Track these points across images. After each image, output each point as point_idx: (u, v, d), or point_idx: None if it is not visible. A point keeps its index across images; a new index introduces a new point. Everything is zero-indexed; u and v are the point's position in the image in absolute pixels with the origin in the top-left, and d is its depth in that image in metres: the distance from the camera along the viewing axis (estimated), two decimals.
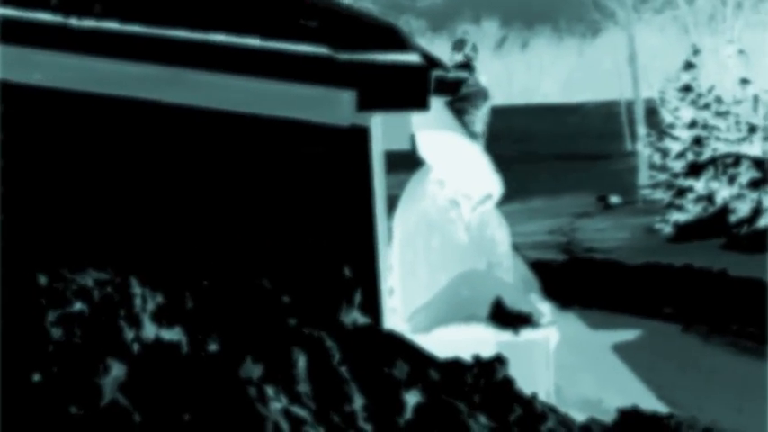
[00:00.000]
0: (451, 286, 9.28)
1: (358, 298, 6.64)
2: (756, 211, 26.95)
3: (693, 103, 31.53)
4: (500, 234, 10.02)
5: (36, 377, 5.19)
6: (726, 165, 28.61)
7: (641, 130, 43.12)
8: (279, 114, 6.96)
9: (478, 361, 6.34)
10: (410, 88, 6.81)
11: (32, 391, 5.09)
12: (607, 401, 8.90)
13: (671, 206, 30.07)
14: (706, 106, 31.32)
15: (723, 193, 28.19)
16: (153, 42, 6.81)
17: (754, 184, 27.51)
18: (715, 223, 27.71)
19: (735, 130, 30.60)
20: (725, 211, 27.75)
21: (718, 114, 31.08)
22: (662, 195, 31.95)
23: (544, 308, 9.47)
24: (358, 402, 5.62)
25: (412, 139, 8.84)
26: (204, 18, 6.82)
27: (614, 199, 42.41)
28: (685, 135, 31.50)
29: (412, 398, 5.80)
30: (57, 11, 6.77)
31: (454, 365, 6.25)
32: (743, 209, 27.26)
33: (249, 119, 6.96)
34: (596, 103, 52.93)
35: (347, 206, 6.99)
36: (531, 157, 56.52)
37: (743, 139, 30.10)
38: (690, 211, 29.21)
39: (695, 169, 29.65)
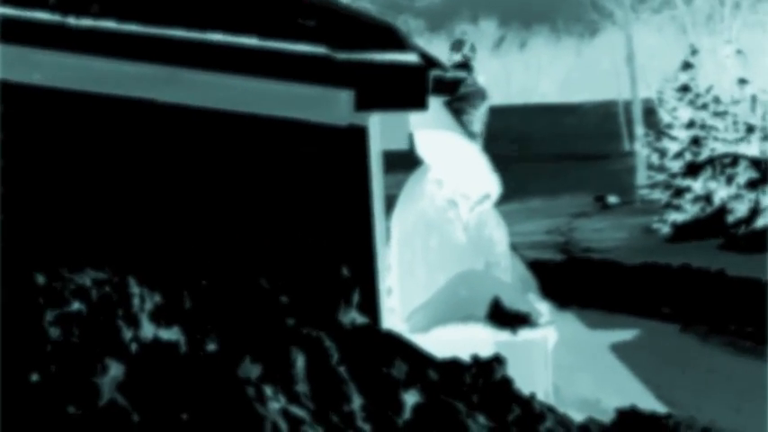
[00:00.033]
0: (450, 286, 9.28)
1: (356, 298, 6.63)
2: (754, 211, 26.98)
3: (691, 103, 31.56)
4: (498, 234, 10.01)
5: (34, 377, 5.18)
6: (724, 165, 28.63)
7: (639, 130, 43.17)
8: (277, 114, 6.95)
9: (477, 361, 6.34)
10: (408, 88, 6.80)
11: (31, 391, 5.09)
12: (605, 401, 8.90)
13: (669, 206, 30.09)
14: (704, 106, 31.34)
15: (721, 193, 28.21)
16: (150, 42, 6.80)
17: (752, 185, 27.53)
18: (713, 223, 27.73)
19: (733, 131, 30.63)
20: (723, 211, 27.77)
21: (716, 114, 31.10)
22: (660, 195, 31.98)
23: (542, 308, 9.47)
24: (356, 402, 5.62)
25: (410, 138, 8.83)
26: (202, 17, 6.82)
27: (612, 199, 42.44)
28: (683, 135, 31.53)
29: (410, 398, 5.80)
30: (54, 10, 6.76)
31: (453, 365, 6.25)
32: (741, 209, 27.28)
33: (247, 118, 6.95)
34: (594, 103, 52.99)
35: (345, 206, 6.99)
36: (529, 156, 56.55)
37: (741, 139, 30.13)
38: (688, 211, 29.23)
39: (693, 169, 29.67)
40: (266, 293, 6.30)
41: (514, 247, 11.40)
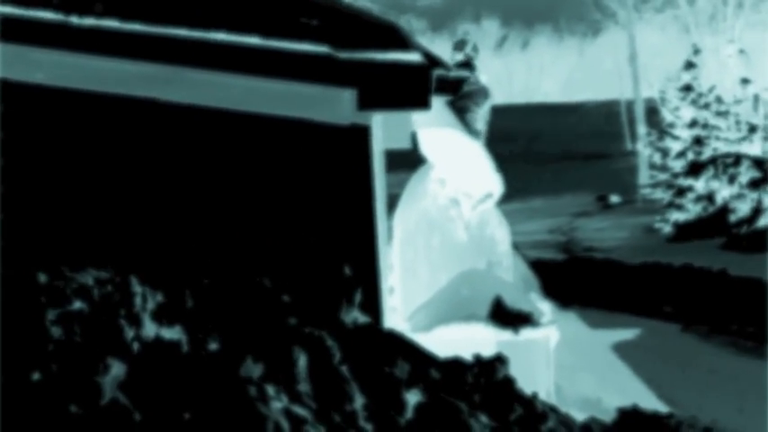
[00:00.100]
0: (452, 285, 9.28)
1: (358, 297, 6.63)
2: (756, 211, 26.96)
3: (694, 102, 31.52)
4: (500, 233, 10.01)
5: (36, 376, 5.18)
6: (726, 164, 28.62)
7: (641, 129, 43.12)
8: (279, 113, 6.95)
9: (479, 360, 6.34)
10: (411, 87, 6.80)
11: (32, 390, 5.09)
12: (607, 401, 8.89)
13: (671, 206, 30.08)
14: (706, 106, 31.31)
15: (723, 192, 28.19)
16: (153, 41, 6.80)
17: (755, 184, 27.52)
18: (715, 223, 27.72)
19: (735, 130, 30.60)
20: (725, 210, 27.76)
21: (719, 114, 31.07)
22: (662, 195, 31.94)
23: (544, 307, 9.47)
24: (359, 402, 5.62)
25: (413, 137, 8.83)
26: (205, 16, 6.82)
27: (614, 198, 42.42)
28: (685, 134, 31.50)
29: (413, 397, 5.79)
30: (57, 9, 6.76)
31: (455, 365, 6.25)
32: (743, 208, 27.26)
33: (249, 117, 6.95)
34: (597, 102, 52.92)
35: (348, 205, 6.98)
36: (531, 156, 56.52)
37: (743, 139, 30.10)
38: (690, 210, 29.21)
39: (695, 169, 29.65)
40: (268, 293, 6.30)
41: (516, 247, 11.39)
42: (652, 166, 35.06)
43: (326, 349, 5.83)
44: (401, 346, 6.26)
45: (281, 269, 6.69)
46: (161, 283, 5.96)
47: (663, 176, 32.53)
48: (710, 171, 28.91)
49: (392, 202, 9.30)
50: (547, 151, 59.44)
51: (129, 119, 6.94)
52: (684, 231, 28.85)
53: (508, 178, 10.18)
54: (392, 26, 6.86)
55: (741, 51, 33.54)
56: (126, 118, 6.94)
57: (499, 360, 6.37)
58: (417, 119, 8.32)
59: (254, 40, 6.79)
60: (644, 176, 39.79)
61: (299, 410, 5.40)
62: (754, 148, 29.63)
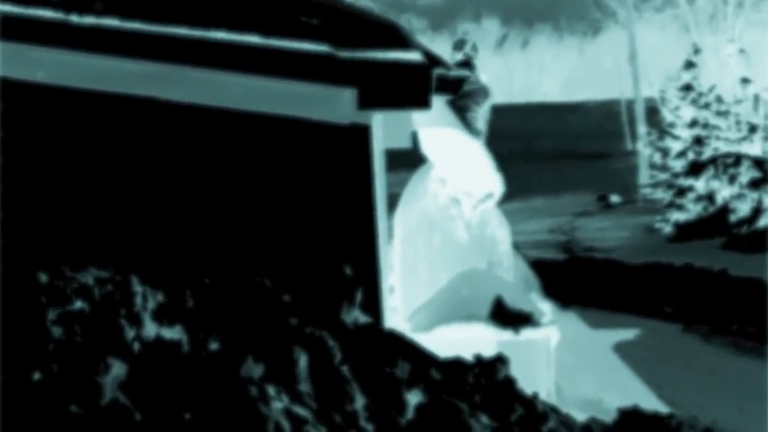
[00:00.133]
0: (452, 285, 9.27)
1: (359, 297, 6.62)
2: (757, 211, 26.95)
3: (694, 102, 31.51)
4: (501, 233, 10.00)
5: (36, 376, 5.17)
6: (726, 164, 28.61)
7: (642, 129, 43.09)
8: (279, 112, 6.94)
9: (480, 360, 6.33)
10: (411, 86, 6.79)
11: (33, 390, 5.08)
12: (607, 401, 8.89)
13: (671, 205, 30.06)
14: (706, 105, 31.30)
15: (723, 192, 28.18)
16: (153, 39, 6.79)
17: (755, 184, 27.51)
18: (715, 223, 27.71)
19: (735, 130, 30.59)
20: (725, 210, 27.75)
21: (719, 113, 31.06)
22: (662, 195, 31.92)
23: (545, 307, 9.46)
24: (359, 402, 5.61)
25: (414, 136, 8.83)
26: (205, 15, 6.81)
27: (614, 198, 42.42)
28: (686, 134, 31.48)
29: (413, 397, 5.79)
30: (57, 8, 6.75)
31: (455, 365, 6.24)
32: (743, 208, 27.26)
33: (250, 116, 6.94)
34: (597, 101, 52.91)
35: (348, 204, 6.98)
36: (532, 155, 56.52)
37: (743, 139, 30.09)
38: (690, 210, 29.20)
39: (696, 168, 29.64)
40: (269, 292, 6.29)
41: (517, 247, 11.38)
42: (652, 166, 35.04)
43: (327, 349, 5.83)
44: (402, 347, 6.25)
45: (281, 269, 6.68)
46: (162, 283, 5.95)
47: (663, 176, 32.51)
48: (711, 171, 28.90)
49: (392, 202, 9.29)
50: (547, 151, 59.46)
51: (129, 118, 6.94)
52: (685, 231, 28.84)
53: (508, 178, 10.17)
54: (392, 25, 6.85)
55: (741, 51, 33.52)
56: (126, 117, 6.93)
57: (500, 360, 6.36)
58: (418, 118, 8.32)
59: (254, 39, 6.79)
60: (644, 176, 39.78)
61: (300, 410, 5.39)
62: (754, 147, 29.62)
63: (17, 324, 5.39)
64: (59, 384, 5.14)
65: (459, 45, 10.68)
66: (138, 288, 5.81)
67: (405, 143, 8.23)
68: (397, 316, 8.93)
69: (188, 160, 6.96)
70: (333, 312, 6.42)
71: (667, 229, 29.88)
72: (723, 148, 30.21)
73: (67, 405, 5.03)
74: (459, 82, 10.27)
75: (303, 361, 5.66)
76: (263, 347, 5.65)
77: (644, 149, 39.96)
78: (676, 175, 30.84)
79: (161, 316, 5.73)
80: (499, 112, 13.96)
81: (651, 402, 9.19)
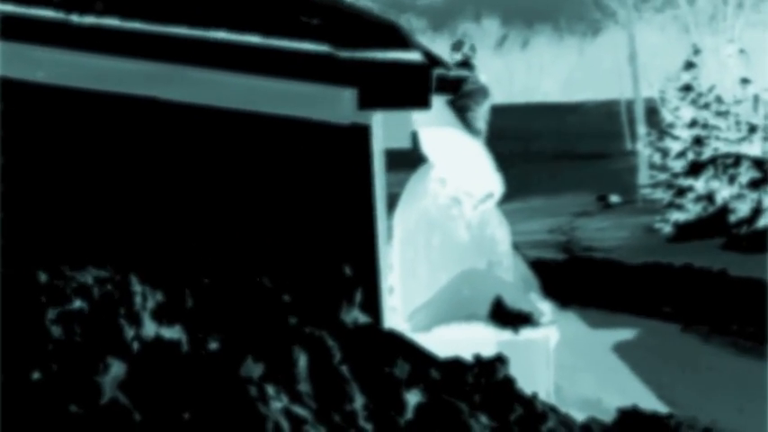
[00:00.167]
0: (452, 285, 9.27)
1: (358, 297, 6.62)
2: (756, 211, 26.96)
3: (694, 102, 31.51)
4: (500, 233, 10.00)
5: (36, 375, 5.17)
6: (726, 164, 28.61)
7: (641, 129, 43.10)
8: (279, 112, 6.94)
9: (479, 360, 6.33)
10: (412, 86, 6.79)
11: (32, 390, 5.08)
12: (607, 401, 8.90)
13: (671, 206, 30.07)
14: (706, 106, 31.30)
15: (723, 192, 28.19)
16: (153, 39, 6.79)
17: (754, 184, 27.52)
18: (715, 223, 27.72)
19: (735, 130, 30.59)
20: (725, 210, 27.75)
21: (719, 114, 31.06)
22: (662, 195, 31.93)
23: (544, 307, 9.47)
24: (359, 402, 5.61)
25: (414, 136, 8.83)
26: (205, 15, 6.81)
27: (614, 198, 42.42)
28: (685, 134, 31.48)
29: (413, 397, 5.79)
30: (58, 7, 6.75)
31: (455, 365, 6.24)
32: (743, 209, 27.26)
33: (249, 116, 6.94)
34: (596, 102, 52.93)
35: (348, 204, 6.98)
36: (532, 156, 56.51)
37: (743, 139, 30.10)
38: (690, 210, 29.21)
39: (695, 169, 29.65)
40: (268, 292, 6.29)
41: (516, 247, 11.39)
42: (652, 166, 35.05)
43: (327, 349, 5.83)
44: (401, 346, 6.25)
45: (281, 268, 6.68)
46: (161, 283, 5.95)
47: (663, 176, 32.52)
48: (710, 171, 28.91)
49: (392, 202, 9.29)
50: (546, 151, 59.44)
51: (129, 117, 6.93)
52: (684, 231, 28.85)
53: (508, 178, 10.18)
54: (392, 25, 6.85)
55: (741, 51, 33.53)
56: (126, 117, 6.93)
57: (499, 360, 6.36)
58: (418, 118, 8.32)
59: (254, 39, 6.79)
60: (644, 176, 39.78)
61: (300, 410, 5.39)
62: (753, 148, 29.63)
63: (16, 323, 5.39)
64: (59, 384, 5.14)
65: (457, 46, 10.71)
66: (137, 287, 5.81)
67: (405, 143, 8.23)
68: (396, 316, 8.94)
69: (188, 160, 6.96)
70: (332, 312, 6.42)
71: (667, 229, 29.89)
72: (723, 148, 30.22)
73: (67, 405, 5.03)
74: (459, 82, 10.28)
75: (302, 361, 5.66)
76: (263, 347, 5.65)
77: (644, 150, 39.97)
78: (676, 176, 30.85)
79: (160, 315, 5.73)
80: (499, 112, 13.96)
81: (650, 402, 9.20)
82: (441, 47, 11.59)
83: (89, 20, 6.77)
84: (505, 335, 8.76)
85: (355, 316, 6.54)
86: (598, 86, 59.71)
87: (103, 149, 6.95)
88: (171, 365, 5.39)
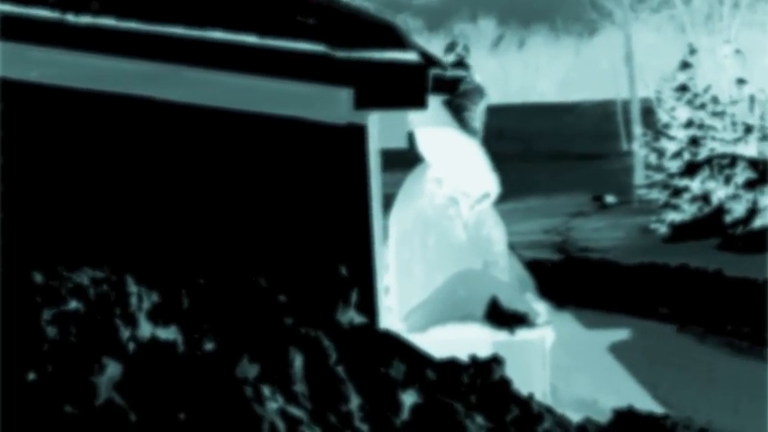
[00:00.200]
0: (448, 285, 9.26)
1: (354, 297, 6.62)
2: (752, 212, 26.98)
3: (690, 102, 31.52)
4: (496, 233, 10.00)
5: (31, 376, 5.16)
6: (722, 165, 28.63)
7: (637, 129, 43.04)
8: (276, 112, 6.93)
9: (475, 361, 6.33)
10: (408, 86, 6.79)
11: (27, 390, 5.07)
12: (602, 402, 8.90)
13: (667, 206, 30.08)
14: (702, 106, 31.31)
15: (719, 193, 28.21)
16: (150, 39, 6.79)
17: (750, 185, 27.54)
18: (711, 223, 27.74)
19: (731, 130, 30.60)
20: (721, 211, 27.77)
21: (715, 114, 31.08)
22: (658, 195, 31.94)
23: (540, 308, 9.46)
24: (354, 402, 5.61)
25: (411, 136, 8.83)
26: (201, 15, 6.80)
27: (610, 198, 42.44)
28: (681, 135, 31.49)
29: (408, 398, 5.78)
30: (54, 7, 6.74)
31: (451, 365, 6.24)
32: (738, 209, 27.28)
33: (246, 116, 6.94)
34: (592, 102, 52.97)
35: (344, 204, 6.97)
36: (527, 156, 56.53)
37: (739, 140, 30.11)
38: (685, 211, 29.23)
39: (691, 169, 29.66)
40: (264, 292, 6.28)
41: (512, 247, 11.39)
42: (648, 167, 35.06)
43: (322, 350, 5.82)
44: (397, 347, 6.25)
45: (276, 269, 6.68)
46: (157, 283, 5.95)
47: (659, 177, 32.53)
48: (706, 171, 28.93)
49: (388, 202, 9.29)
50: (543, 151, 59.46)
51: (126, 117, 6.93)
52: (680, 232, 28.87)
53: (504, 178, 10.17)
54: (389, 25, 6.85)
55: (737, 51, 33.57)
56: (122, 116, 6.92)
57: (495, 361, 6.36)
58: (414, 118, 8.32)
59: (250, 39, 6.78)
60: (640, 177, 39.82)
61: (295, 411, 5.39)
62: (749, 148, 29.64)
63: (12, 324, 5.38)
64: (54, 384, 5.13)
65: (450, 47, 10.71)
66: (133, 288, 5.80)
67: (401, 143, 8.22)
68: (392, 316, 8.93)
69: (184, 160, 6.95)
70: (328, 313, 6.42)
71: (663, 229, 29.90)
72: (719, 148, 30.23)
73: (62, 405, 5.03)
74: (456, 82, 10.28)
75: (298, 361, 5.66)
76: (259, 348, 5.64)
77: (639, 150, 39.94)
78: (672, 176, 30.86)
79: (156, 316, 5.72)
80: (495, 112, 13.97)
81: (646, 403, 9.21)
82: (437, 47, 11.58)
83: (85, 20, 6.76)
84: (501, 335, 8.75)
85: (351, 316, 6.53)
86: (594, 87, 59.72)
87: (99, 150, 6.94)
88: (167, 366, 5.38)
